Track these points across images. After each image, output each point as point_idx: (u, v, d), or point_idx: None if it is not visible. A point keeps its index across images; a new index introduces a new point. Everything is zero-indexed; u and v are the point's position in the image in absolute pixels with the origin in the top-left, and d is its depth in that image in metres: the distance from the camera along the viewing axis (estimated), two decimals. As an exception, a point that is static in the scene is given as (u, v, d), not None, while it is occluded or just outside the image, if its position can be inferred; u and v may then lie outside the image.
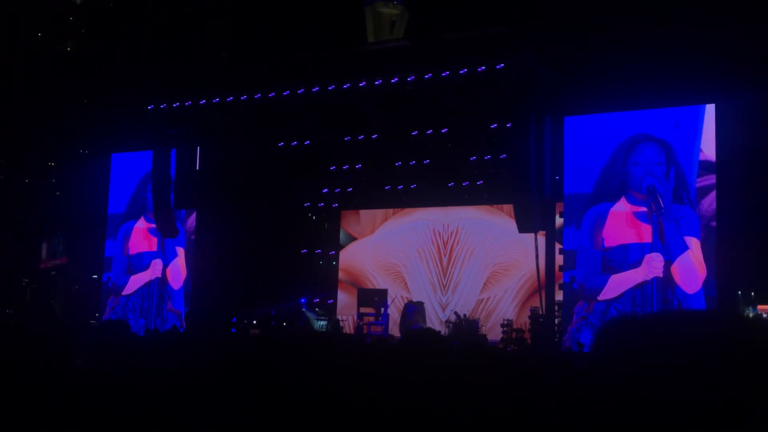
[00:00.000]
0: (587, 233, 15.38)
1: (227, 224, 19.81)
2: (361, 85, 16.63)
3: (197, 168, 19.49)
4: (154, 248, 20.23)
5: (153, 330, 17.59)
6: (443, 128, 17.62)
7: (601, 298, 15.00)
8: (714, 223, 14.23)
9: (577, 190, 15.68)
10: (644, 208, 14.87)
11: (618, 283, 15.00)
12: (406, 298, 20.57)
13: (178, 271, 19.78)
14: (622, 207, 15.14)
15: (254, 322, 19.25)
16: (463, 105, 16.53)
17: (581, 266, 15.34)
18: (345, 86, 16.75)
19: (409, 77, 16.18)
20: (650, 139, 15.06)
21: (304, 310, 20.10)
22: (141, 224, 20.59)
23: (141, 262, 20.45)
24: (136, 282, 20.44)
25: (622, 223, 15.12)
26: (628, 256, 14.95)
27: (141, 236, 20.57)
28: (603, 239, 15.22)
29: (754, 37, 13.38)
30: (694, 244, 14.31)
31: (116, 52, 23.61)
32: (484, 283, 20.06)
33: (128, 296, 20.47)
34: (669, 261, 14.50)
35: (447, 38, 16.32)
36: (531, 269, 18.58)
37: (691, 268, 14.20)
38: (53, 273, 24.76)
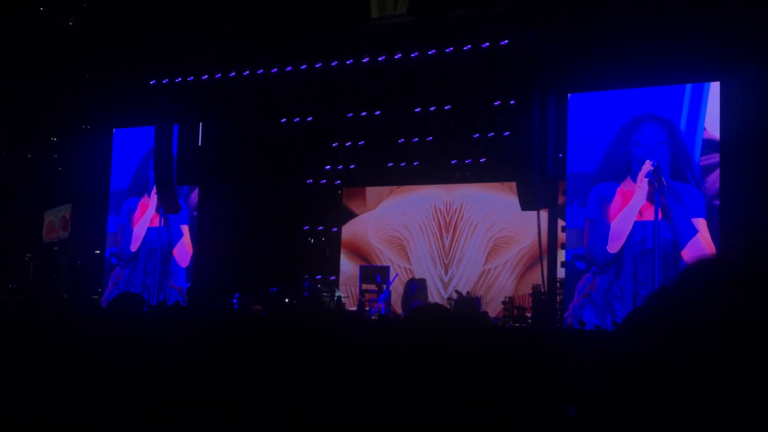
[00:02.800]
0: (596, 206, 15.39)
1: (230, 200, 19.81)
2: (364, 61, 16.54)
3: (200, 144, 19.44)
4: (157, 224, 20.27)
5: (163, 302, 17.67)
6: (446, 105, 17.55)
7: (610, 250, 15.07)
8: (717, 202, 14.21)
9: (581, 169, 15.66)
10: (648, 187, 14.88)
11: (619, 225, 15.13)
12: (409, 270, 20.61)
13: (185, 250, 19.82)
14: (628, 186, 15.15)
15: (256, 298, 19.30)
16: (466, 82, 16.46)
17: (591, 238, 15.35)
18: (348, 62, 16.66)
19: (412, 54, 16.09)
20: (653, 118, 15.01)
21: (306, 286, 20.15)
22: (146, 200, 20.62)
23: (146, 237, 20.52)
24: (138, 236, 20.57)
25: (628, 201, 15.14)
26: (633, 234, 14.98)
27: (146, 212, 20.61)
28: (609, 216, 15.26)
29: (762, 13, 13.26)
30: (701, 225, 14.31)
31: (118, 27, 23.48)
32: (486, 257, 20.11)
33: (131, 271, 20.53)
34: (675, 241, 14.53)
35: (451, 14, 16.20)
36: (531, 242, 18.78)
37: (701, 251, 14.21)
38: (55, 248, 24.83)
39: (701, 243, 14.25)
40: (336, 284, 21.43)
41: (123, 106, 21.01)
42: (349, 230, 21.99)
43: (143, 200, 20.65)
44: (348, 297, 20.68)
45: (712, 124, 14.46)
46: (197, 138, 19.40)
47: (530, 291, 17.35)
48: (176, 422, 3.10)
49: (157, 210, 20.11)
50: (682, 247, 14.42)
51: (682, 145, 14.66)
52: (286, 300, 19.12)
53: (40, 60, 27.03)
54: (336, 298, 19.85)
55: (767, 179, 13.70)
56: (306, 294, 19.94)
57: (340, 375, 2.87)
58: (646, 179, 14.89)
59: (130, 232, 20.72)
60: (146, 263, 20.39)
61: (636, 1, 14.57)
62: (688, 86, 14.75)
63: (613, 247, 15.16)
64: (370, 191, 21.88)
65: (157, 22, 20.57)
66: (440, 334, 2.34)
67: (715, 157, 14.36)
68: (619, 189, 15.21)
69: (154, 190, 19.97)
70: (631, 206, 15.12)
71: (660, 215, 14.71)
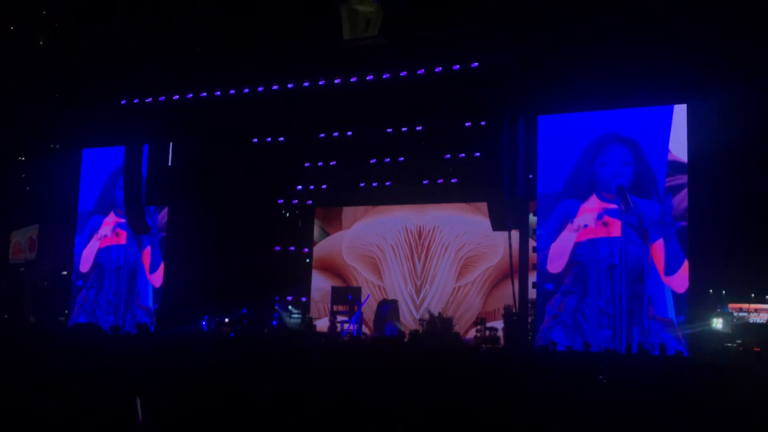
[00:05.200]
0: (556, 224, 15.65)
1: (199, 221, 19.63)
2: (336, 82, 16.57)
3: (169, 164, 19.30)
4: (123, 242, 20.08)
5: (118, 327, 17.36)
6: (418, 126, 17.61)
7: (551, 270, 15.29)
8: (684, 223, 14.39)
9: (550, 189, 15.81)
10: (614, 206, 15.09)
11: (560, 245, 15.35)
12: (382, 288, 20.57)
13: (146, 272, 19.71)
14: (592, 204, 15.36)
15: (226, 320, 19.12)
16: (437, 103, 16.52)
17: (551, 258, 15.58)
18: (320, 83, 16.69)
19: (384, 75, 16.16)
20: (617, 139, 15.27)
21: (277, 308, 20.01)
22: (110, 218, 20.43)
23: (110, 255, 20.29)
24: (90, 252, 20.45)
25: (592, 218, 15.33)
26: (598, 250, 15.14)
27: (109, 231, 20.40)
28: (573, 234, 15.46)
29: (727, 38, 13.53)
30: (659, 245, 14.57)
31: (89, 47, 23.33)
32: (456, 276, 20.22)
33: (98, 291, 20.29)
34: (640, 257, 14.70)
35: (422, 36, 16.32)
36: (499, 260, 19.17)
37: (684, 277, 14.37)
38: (22, 269, 24.44)
39: (658, 265, 14.53)
40: (307, 306, 21.31)
41: (93, 126, 20.82)
42: (323, 247, 21.94)
43: (108, 218, 20.50)
44: (319, 316, 20.60)
45: (677, 147, 14.70)
46: (167, 158, 19.26)
47: (498, 308, 17.44)
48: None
49: (119, 228, 20.01)
50: (647, 263, 14.65)
51: (647, 165, 14.90)
52: (256, 323, 18.95)
53: (9, 79, 26.75)
54: (306, 319, 19.76)
55: (734, 200, 13.91)
56: (276, 315, 19.80)
57: (306, 399, 2.84)
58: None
59: (94, 251, 20.57)
60: (111, 284, 20.16)
61: (604, 27, 14.79)
62: (654, 108, 15.02)
63: (554, 266, 15.46)
64: (341, 211, 21.86)
65: (129, 43, 20.48)
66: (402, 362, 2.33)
67: (680, 179, 14.57)
68: (582, 206, 15.46)
69: (111, 211, 20.02)
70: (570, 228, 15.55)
71: (624, 232, 14.90)
